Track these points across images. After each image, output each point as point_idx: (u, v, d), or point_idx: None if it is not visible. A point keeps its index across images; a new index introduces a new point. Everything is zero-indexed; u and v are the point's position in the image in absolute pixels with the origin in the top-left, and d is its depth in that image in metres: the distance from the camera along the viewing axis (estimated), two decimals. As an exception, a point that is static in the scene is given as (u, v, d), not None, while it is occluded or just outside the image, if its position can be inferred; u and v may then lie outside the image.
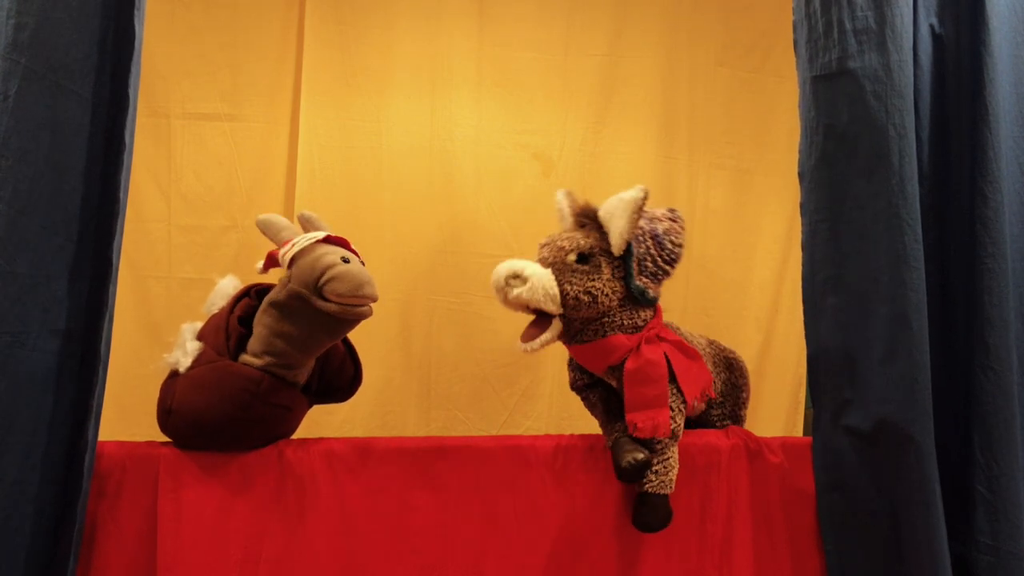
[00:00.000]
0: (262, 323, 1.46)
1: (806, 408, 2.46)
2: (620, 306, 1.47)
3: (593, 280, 1.43)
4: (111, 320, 1.33)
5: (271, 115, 2.25)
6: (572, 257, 1.45)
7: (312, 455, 1.45)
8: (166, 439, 1.46)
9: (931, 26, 1.53)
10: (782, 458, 1.58)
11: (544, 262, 1.46)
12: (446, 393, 2.30)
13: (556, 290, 1.42)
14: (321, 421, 2.18)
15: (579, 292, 1.42)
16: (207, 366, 1.43)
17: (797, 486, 1.57)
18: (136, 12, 1.34)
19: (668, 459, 1.46)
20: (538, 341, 1.44)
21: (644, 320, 1.50)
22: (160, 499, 1.37)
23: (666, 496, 1.45)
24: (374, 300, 1.47)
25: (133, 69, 1.33)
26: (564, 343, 1.52)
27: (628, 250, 1.46)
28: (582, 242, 1.46)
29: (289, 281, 1.45)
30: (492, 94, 2.32)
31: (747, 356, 2.10)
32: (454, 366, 2.30)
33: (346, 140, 2.25)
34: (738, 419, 1.70)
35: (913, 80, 1.48)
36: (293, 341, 1.44)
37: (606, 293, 1.44)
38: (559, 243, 1.47)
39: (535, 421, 2.33)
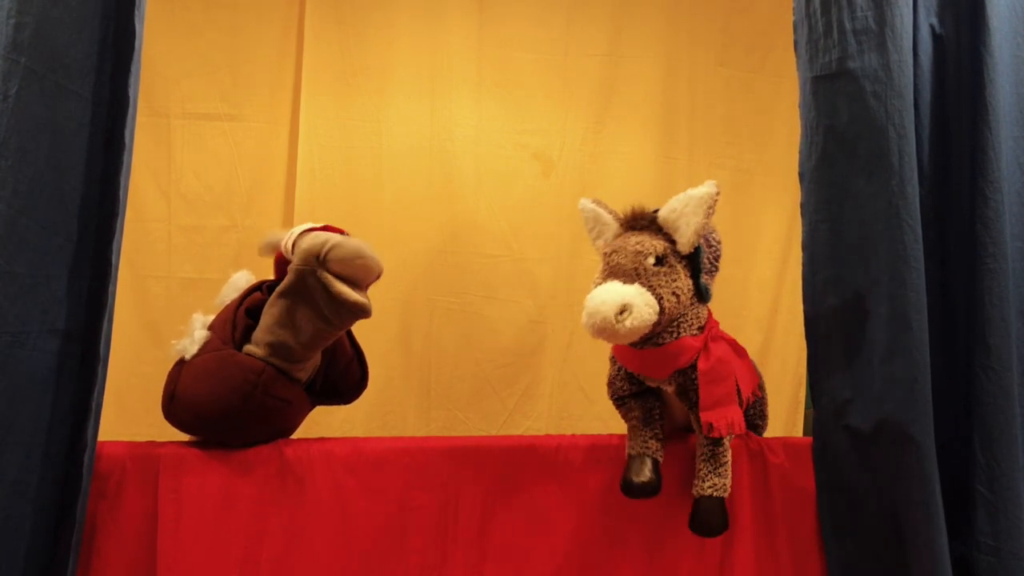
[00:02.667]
0: (268, 313, 1.47)
1: (806, 408, 2.46)
2: (691, 305, 1.46)
3: (675, 280, 1.41)
4: (111, 320, 1.33)
5: (271, 115, 2.25)
6: (651, 260, 1.41)
7: (312, 455, 1.45)
8: (166, 439, 1.46)
9: (931, 26, 1.53)
10: (782, 458, 1.58)
11: (618, 269, 1.41)
12: (446, 393, 2.30)
13: (655, 302, 1.38)
14: (321, 421, 2.18)
15: (668, 295, 1.40)
16: (211, 354, 1.44)
17: (797, 486, 1.57)
18: (136, 12, 1.34)
19: (728, 463, 1.46)
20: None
21: (704, 319, 1.50)
22: (160, 499, 1.37)
23: (723, 500, 1.45)
24: (376, 268, 1.48)
25: (133, 69, 1.33)
26: (631, 349, 1.47)
27: (697, 247, 1.45)
28: (657, 245, 1.43)
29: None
30: (492, 94, 2.32)
31: (747, 356, 2.10)
32: (454, 366, 2.30)
33: (346, 140, 2.25)
34: (765, 418, 1.70)
35: (913, 80, 1.48)
36: (296, 331, 1.44)
37: (684, 292, 1.43)
38: (633, 248, 1.42)
39: (535, 421, 2.33)
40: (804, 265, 1.57)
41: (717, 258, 1.51)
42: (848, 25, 1.48)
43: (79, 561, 1.30)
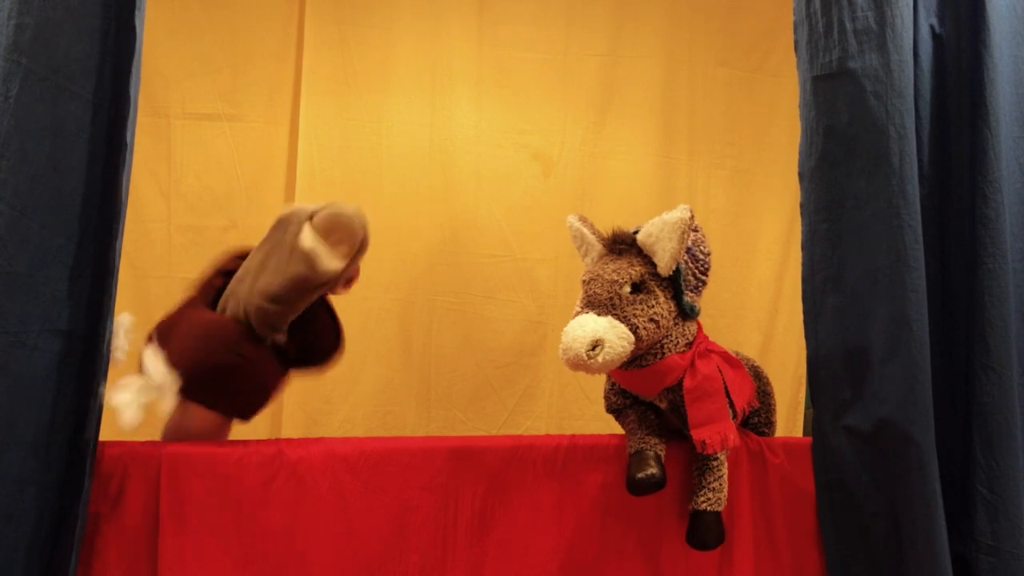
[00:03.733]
0: (243, 265, 1.52)
1: (806, 408, 2.46)
2: (674, 325, 1.46)
3: (653, 306, 1.40)
4: (112, 320, 1.33)
5: (271, 115, 2.25)
6: (627, 289, 1.41)
7: (312, 455, 1.45)
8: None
9: (931, 26, 1.53)
10: (782, 458, 1.58)
11: (595, 299, 1.41)
12: (446, 393, 2.30)
13: (629, 333, 1.38)
14: (321, 421, 2.19)
15: (645, 322, 1.39)
16: (182, 310, 1.51)
17: (797, 486, 1.57)
18: (136, 12, 1.34)
19: (723, 476, 1.46)
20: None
21: (693, 335, 1.49)
22: (161, 499, 1.37)
23: (719, 513, 1.45)
24: (360, 232, 1.49)
25: (134, 69, 1.33)
26: (616, 369, 1.47)
27: (676, 269, 1.44)
28: (632, 271, 1.42)
29: None
30: (492, 94, 2.33)
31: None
32: (454, 366, 2.30)
33: (346, 140, 2.25)
34: (771, 424, 1.70)
35: (913, 80, 1.48)
36: (265, 281, 1.46)
37: (664, 315, 1.42)
38: (608, 276, 1.42)
39: (535, 421, 2.34)
40: (804, 265, 1.57)
41: (705, 271, 1.51)
42: (848, 25, 1.48)
43: (79, 561, 1.30)
